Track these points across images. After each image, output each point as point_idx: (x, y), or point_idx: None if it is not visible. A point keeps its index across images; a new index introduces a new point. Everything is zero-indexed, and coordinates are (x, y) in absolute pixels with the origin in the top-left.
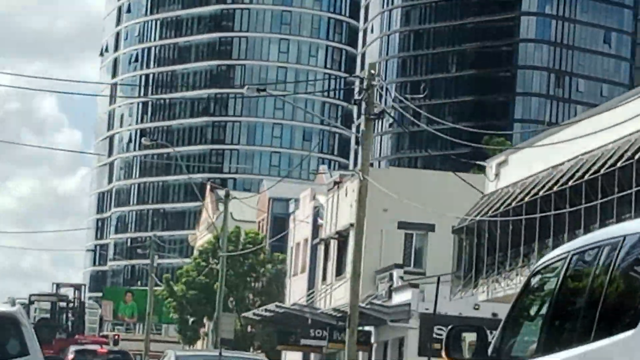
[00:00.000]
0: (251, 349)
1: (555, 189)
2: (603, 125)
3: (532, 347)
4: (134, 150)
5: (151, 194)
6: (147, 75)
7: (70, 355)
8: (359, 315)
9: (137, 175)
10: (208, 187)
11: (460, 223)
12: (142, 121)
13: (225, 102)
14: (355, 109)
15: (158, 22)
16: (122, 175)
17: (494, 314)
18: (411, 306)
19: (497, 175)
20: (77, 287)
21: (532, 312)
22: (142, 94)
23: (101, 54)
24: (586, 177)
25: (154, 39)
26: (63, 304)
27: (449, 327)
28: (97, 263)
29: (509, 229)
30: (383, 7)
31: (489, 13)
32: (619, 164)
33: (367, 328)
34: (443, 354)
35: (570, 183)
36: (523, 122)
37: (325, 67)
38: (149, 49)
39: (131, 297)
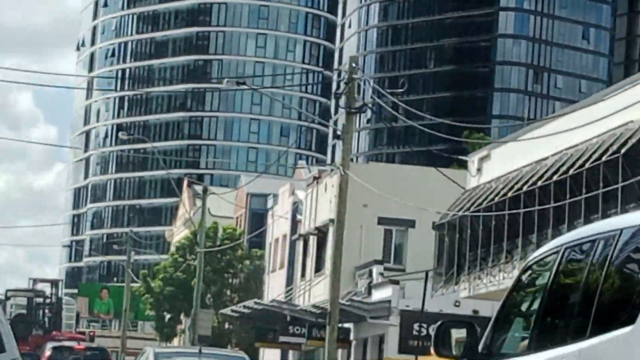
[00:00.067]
0: (229, 346)
1: (539, 183)
2: (588, 119)
3: (524, 344)
4: (111, 145)
5: (127, 190)
6: (123, 70)
7: (48, 352)
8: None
9: (114, 171)
10: (185, 182)
11: (442, 218)
12: (118, 116)
13: (202, 97)
14: (333, 104)
15: (135, 17)
16: (98, 170)
17: (475, 311)
18: (391, 303)
19: (479, 170)
20: (54, 283)
21: (524, 307)
22: (118, 88)
23: (78, 49)
24: (571, 171)
25: (131, 34)
26: (40, 300)
27: (438, 322)
28: (72, 259)
29: (491, 225)
30: (361, 2)
31: (468, 8)
32: (604, 158)
33: (346, 325)
34: (432, 350)
35: (554, 178)
36: (501, 118)
37: (303, 62)
38: (126, 43)
39: (107, 293)
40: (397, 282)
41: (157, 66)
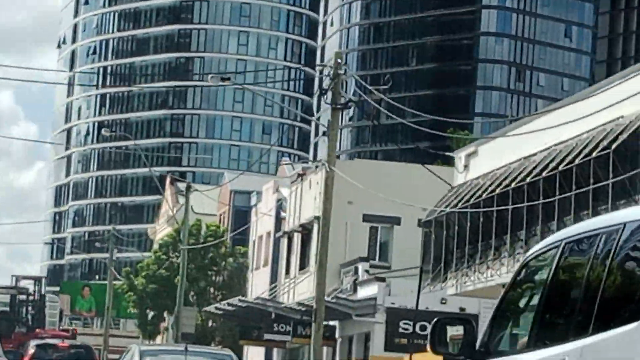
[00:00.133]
0: (212, 344)
1: (527, 180)
2: (576, 115)
3: (523, 341)
4: (92, 143)
5: (109, 187)
6: (105, 68)
7: (31, 350)
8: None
9: (95, 168)
10: (168, 179)
11: (429, 215)
12: (100, 114)
13: (184, 95)
14: (315, 102)
15: (116, 14)
16: (79, 168)
17: (462, 309)
18: (377, 300)
19: (466, 166)
20: (37, 280)
21: (523, 304)
22: (100, 86)
23: (59, 46)
24: (560, 167)
25: (112, 31)
26: (23, 297)
27: (435, 319)
28: (54, 257)
29: (479, 222)
30: (343, 0)
31: (450, 6)
32: (594, 154)
33: (331, 323)
34: (428, 348)
35: (543, 174)
36: (484, 116)
37: (285, 59)
38: (107, 41)
39: (89, 291)
40: (383, 280)
41: (138, 64)
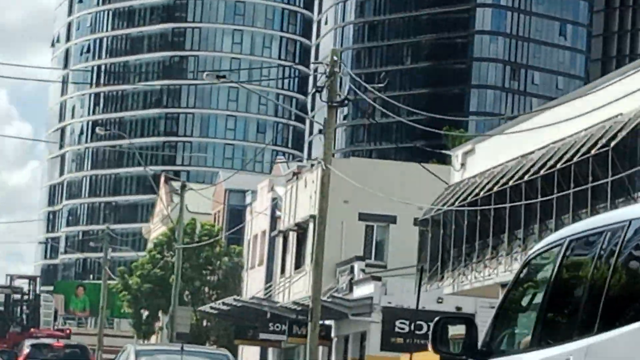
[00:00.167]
0: (207, 344)
1: (525, 178)
2: (575, 113)
3: (526, 340)
4: (86, 142)
5: (103, 187)
6: (99, 66)
7: (26, 350)
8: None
9: (89, 168)
10: (162, 178)
11: (425, 214)
12: (94, 113)
13: (178, 94)
14: (310, 100)
15: (110, 13)
16: (73, 167)
17: (458, 308)
18: (373, 299)
19: (463, 164)
20: (32, 279)
21: (526, 303)
22: (94, 85)
23: (52, 45)
24: (558, 165)
25: (106, 30)
26: (17, 297)
27: (436, 319)
28: (48, 256)
29: (476, 220)
30: None
31: (444, 4)
32: (593, 152)
33: (327, 322)
34: (429, 347)
35: (541, 172)
36: (478, 115)
37: (280, 58)
38: (101, 39)
39: (83, 291)
40: (379, 279)
41: (132, 62)
